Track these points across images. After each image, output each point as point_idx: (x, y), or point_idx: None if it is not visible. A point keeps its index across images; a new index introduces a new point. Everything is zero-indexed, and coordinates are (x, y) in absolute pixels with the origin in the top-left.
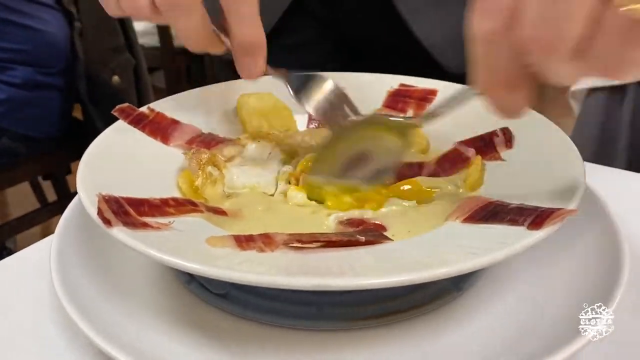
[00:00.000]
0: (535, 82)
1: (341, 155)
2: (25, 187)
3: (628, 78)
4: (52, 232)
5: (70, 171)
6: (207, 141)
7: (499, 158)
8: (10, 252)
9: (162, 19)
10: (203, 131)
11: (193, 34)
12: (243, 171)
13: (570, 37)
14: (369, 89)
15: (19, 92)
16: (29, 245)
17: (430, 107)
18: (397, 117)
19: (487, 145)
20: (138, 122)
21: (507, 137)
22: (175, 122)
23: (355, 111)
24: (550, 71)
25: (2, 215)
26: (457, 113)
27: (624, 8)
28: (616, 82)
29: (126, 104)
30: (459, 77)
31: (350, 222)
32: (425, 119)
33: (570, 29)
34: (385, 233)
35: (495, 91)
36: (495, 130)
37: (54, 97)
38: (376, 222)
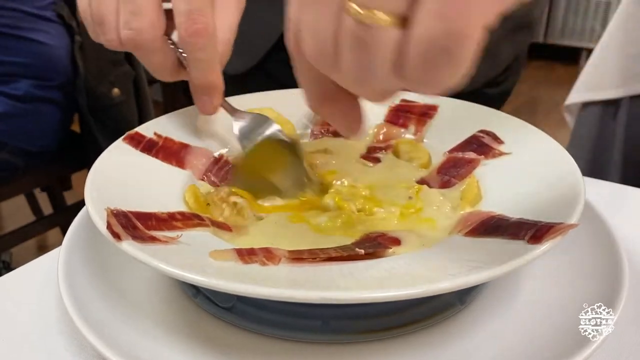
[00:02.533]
0: (354, 98)
1: (259, 174)
2: (19, 199)
3: (378, 92)
4: (49, 245)
5: (70, 186)
6: (218, 172)
7: (502, 153)
8: (7, 265)
9: (126, 50)
10: (214, 154)
11: (156, 67)
12: None
13: (325, 48)
14: (371, 104)
15: (20, 106)
16: (24, 257)
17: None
18: (283, 138)
19: (480, 146)
20: (150, 149)
21: (492, 135)
22: (185, 146)
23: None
24: (353, 88)
25: None
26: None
27: (358, 15)
28: (609, 96)
29: (134, 131)
30: (457, 96)
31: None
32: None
33: (323, 40)
34: (399, 247)
35: (314, 107)
36: (475, 134)
37: (53, 111)
38: (393, 235)
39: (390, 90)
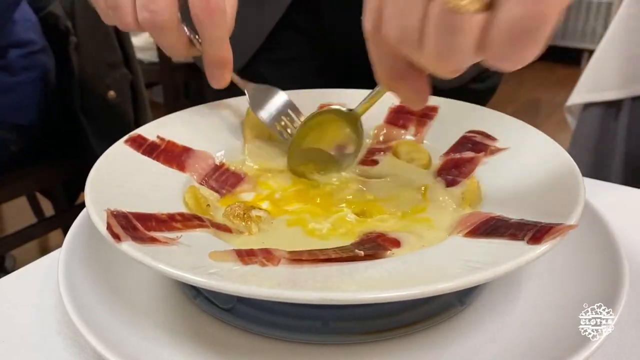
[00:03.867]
0: (423, 73)
1: (312, 143)
2: (21, 201)
3: (457, 68)
4: (51, 247)
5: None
6: (218, 178)
7: (499, 149)
8: (7, 271)
9: (143, 31)
10: (215, 160)
11: (171, 45)
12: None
13: (410, 32)
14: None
15: (11, 79)
16: (26, 259)
17: (364, 100)
18: (341, 108)
19: (475, 144)
20: (151, 152)
21: (483, 134)
22: (187, 150)
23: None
24: (420, 63)
25: None
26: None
27: (447, 3)
28: (611, 97)
29: (136, 133)
30: (445, 92)
31: (370, 235)
32: (361, 110)
33: (408, 24)
34: (398, 248)
35: (387, 84)
36: (465, 135)
37: (36, 79)
38: (393, 236)
39: (466, 65)
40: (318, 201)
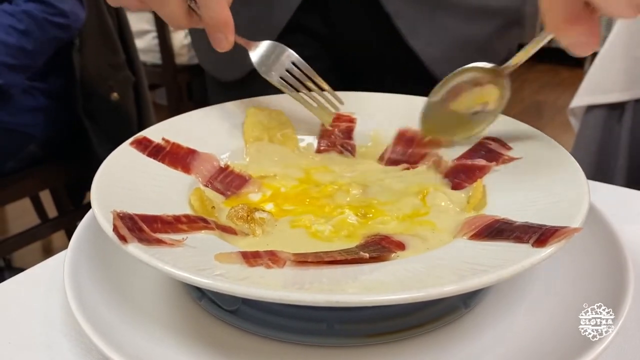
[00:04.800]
0: (596, 16)
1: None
2: (24, 202)
3: None
4: (54, 248)
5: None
6: (223, 180)
7: (512, 158)
8: (8, 263)
9: (146, 7)
10: (220, 162)
11: (171, 15)
12: None
13: None
14: (376, 108)
15: (47, 100)
16: (29, 260)
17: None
18: (486, 65)
19: (489, 152)
20: (156, 154)
21: (499, 142)
22: (192, 152)
23: (312, 75)
24: (604, 3)
25: (1, 231)
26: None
27: None
28: (614, 99)
29: (142, 136)
30: None
31: (374, 237)
32: (509, 67)
33: None
34: (403, 251)
35: (561, 29)
36: (482, 140)
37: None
38: (397, 239)
39: None
40: (319, 202)
